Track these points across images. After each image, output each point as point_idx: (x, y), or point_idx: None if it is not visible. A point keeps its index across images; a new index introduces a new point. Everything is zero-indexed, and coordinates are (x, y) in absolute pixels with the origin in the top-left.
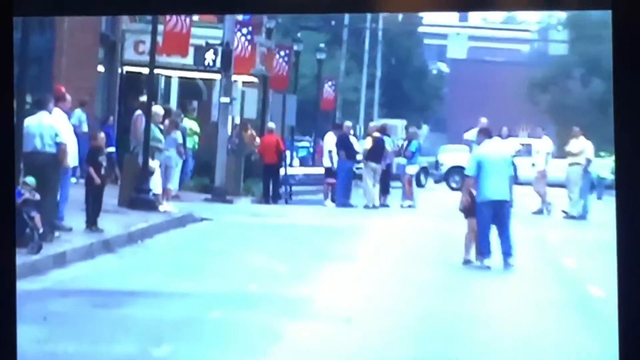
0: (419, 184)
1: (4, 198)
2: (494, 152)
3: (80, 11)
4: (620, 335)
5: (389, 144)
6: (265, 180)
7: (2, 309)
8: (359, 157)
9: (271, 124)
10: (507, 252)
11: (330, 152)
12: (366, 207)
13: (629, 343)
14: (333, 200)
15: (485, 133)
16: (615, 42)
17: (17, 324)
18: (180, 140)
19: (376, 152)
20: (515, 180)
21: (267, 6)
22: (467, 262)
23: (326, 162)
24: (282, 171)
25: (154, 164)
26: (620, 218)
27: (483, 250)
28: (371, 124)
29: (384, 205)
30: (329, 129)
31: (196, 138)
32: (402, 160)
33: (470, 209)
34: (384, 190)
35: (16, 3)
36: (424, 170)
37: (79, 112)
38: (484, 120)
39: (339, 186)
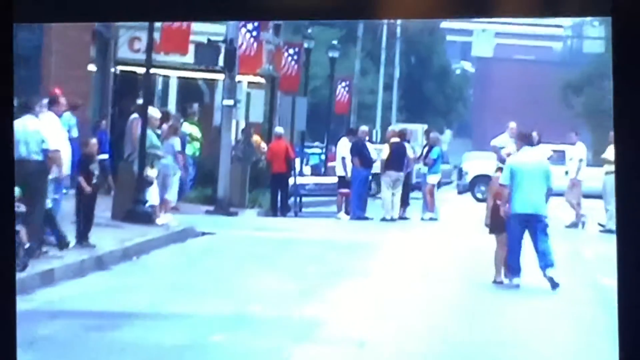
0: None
1: (2, 205)
2: (531, 160)
3: (82, 18)
4: (620, 334)
5: (409, 151)
6: (273, 190)
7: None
8: (376, 165)
9: (279, 129)
10: (547, 265)
11: (344, 159)
12: (383, 219)
13: (629, 343)
14: (347, 213)
15: (525, 139)
16: (615, 49)
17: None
18: (179, 147)
19: (396, 160)
20: (550, 192)
21: (268, 13)
22: (498, 283)
23: (339, 171)
24: (291, 181)
25: (152, 172)
26: (621, 225)
27: (512, 268)
28: (390, 129)
29: (402, 217)
30: (342, 134)
31: (197, 144)
32: (423, 168)
33: (498, 224)
34: (404, 202)
35: (17, 9)
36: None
37: (68, 116)
38: (512, 125)
39: (353, 197)
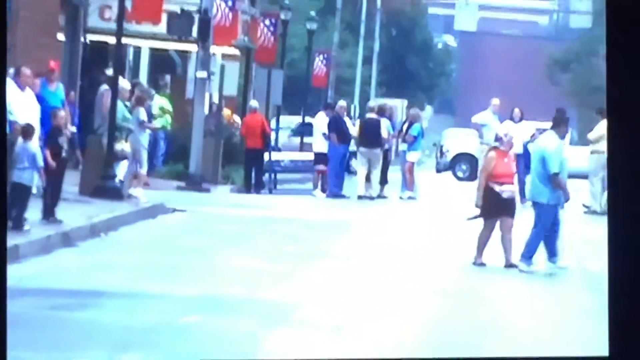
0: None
1: None
2: (537, 144)
3: None
4: (610, 319)
5: (386, 127)
6: (247, 166)
7: None
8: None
9: (254, 103)
10: (554, 253)
11: (324, 135)
12: (360, 197)
13: (619, 329)
14: (323, 190)
15: (566, 122)
16: (609, 24)
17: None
18: (144, 117)
19: (368, 136)
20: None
21: None
22: (480, 264)
23: (316, 147)
24: (266, 156)
25: (126, 147)
26: (612, 212)
27: (532, 254)
28: (370, 104)
29: (381, 196)
30: (320, 109)
31: (168, 118)
32: (402, 145)
33: (490, 206)
34: (381, 180)
35: None
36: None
37: (60, 88)
38: (495, 102)
39: (330, 174)
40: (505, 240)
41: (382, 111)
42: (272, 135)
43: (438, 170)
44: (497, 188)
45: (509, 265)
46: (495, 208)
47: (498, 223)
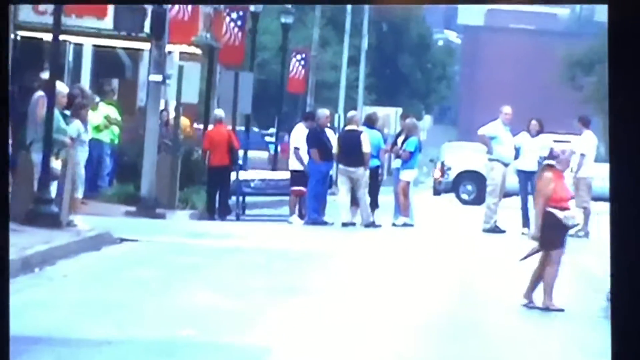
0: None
1: None
2: None
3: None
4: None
5: (369, 141)
6: (210, 187)
7: None
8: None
9: (219, 112)
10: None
11: (297, 150)
12: (345, 225)
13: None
14: (301, 216)
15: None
16: (611, 37)
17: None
18: (81, 130)
19: (348, 152)
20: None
21: None
22: (532, 307)
23: (293, 165)
24: (233, 176)
25: (56, 164)
26: (615, 225)
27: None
28: (349, 114)
29: (369, 224)
30: (297, 120)
31: (116, 129)
32: (395, 162)
33: (552, 236)
34: (371, 204)
35: None
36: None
37: None
38: (507, 110)
39: (309, 196)
40: (549, 276)
41: (370, 122)
42: (241, 151)
43: (438, 192)
44: (559, 214)
45: (547, 307)
46: (556, 237)
47: (542, 254)
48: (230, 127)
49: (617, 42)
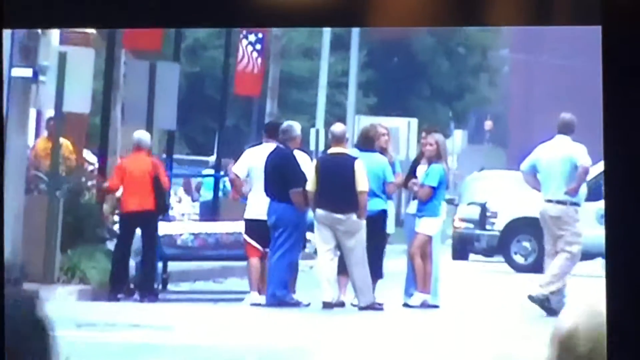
0: None
1: None
2: None
3: (76, 23)
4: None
5: (365, 171)
6: (121, 247)
7: None
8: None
9: (142, 134)
10: None
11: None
12: (327, 306)
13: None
14: (261, 291)
15: None
16: (605, 58)
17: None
18: None
19: (332, 189)
20: None
21: (260, 20)
22: None
23: (251, 209)
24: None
25: None
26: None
27: None
28: (335, 129)
29: (370, 306)
30: (252, 138)
31: None
32: (410, 205)
33: None
34: (370, 272)
35: (7, 14)
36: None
37: None
38: (566, 116)
39: (272, 261)
40: None
41: (369, 140)
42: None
43: (463, 253)
44: None
45: None
46: None
47: None
48: (154, 157)
49: (611, 64)
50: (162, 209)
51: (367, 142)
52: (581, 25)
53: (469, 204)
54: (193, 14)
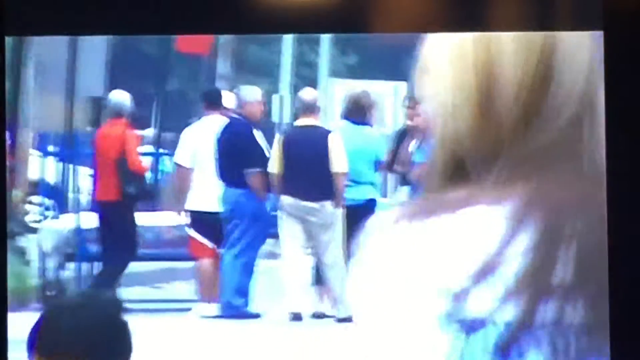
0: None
1: None
2: None
3: (80, 31)
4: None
5: (344, 149)
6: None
7: None
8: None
9: (116, 96)
10: None
11: (190, 170)
12: (297, 319)
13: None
14: (212, 299)
15: None
16: (607, 64)
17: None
18: None
19: (301, 171)
20: None
21: (262, 27)
22: None
23: (195, 201)
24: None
25: None
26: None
27: None
28: (302, 94)
29: (350, 316)
30: (198, 109)
31: None
32: (400, 190)
33: None
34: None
35: (8, 22)
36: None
37: None
38: None
39: (226, 263)
40: None
41: (359, 110)
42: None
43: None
44: None
45: None
46: None
47: None
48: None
49: (614, 69)
50: (128, 197)
51: (359, 112)
52: (583, 30)
53: None
54: (188, 22)
